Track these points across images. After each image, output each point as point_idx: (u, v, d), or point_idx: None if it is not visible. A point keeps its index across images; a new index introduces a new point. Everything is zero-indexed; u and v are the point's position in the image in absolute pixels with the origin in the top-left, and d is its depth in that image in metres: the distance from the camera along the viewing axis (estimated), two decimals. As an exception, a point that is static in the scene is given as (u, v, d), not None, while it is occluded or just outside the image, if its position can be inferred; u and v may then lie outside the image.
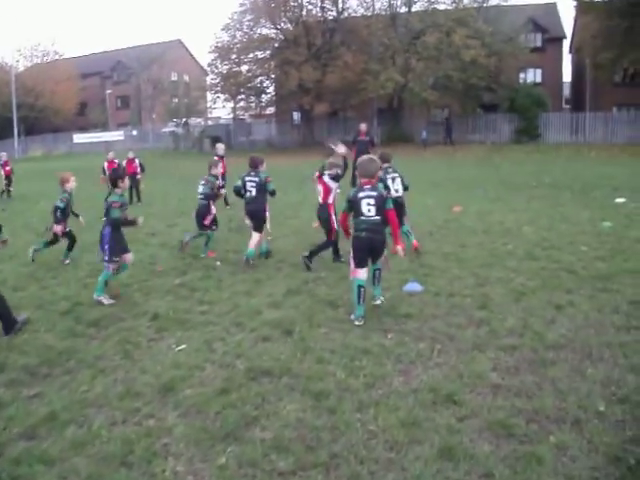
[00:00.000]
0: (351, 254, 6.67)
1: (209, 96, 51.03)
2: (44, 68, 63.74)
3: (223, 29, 43.46)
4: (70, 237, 10.00)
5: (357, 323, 6.40)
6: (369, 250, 6.62)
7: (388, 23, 39.62)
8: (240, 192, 9.65)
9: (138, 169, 17.93)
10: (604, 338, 5.61)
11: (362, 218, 6.57)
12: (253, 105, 46.93)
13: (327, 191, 8.88)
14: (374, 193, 6.60)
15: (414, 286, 7.45)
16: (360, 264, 6.57)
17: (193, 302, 7.35)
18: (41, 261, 10.03)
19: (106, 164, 18.07)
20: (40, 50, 67.03)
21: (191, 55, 71.48)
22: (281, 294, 7.44)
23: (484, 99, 40.79)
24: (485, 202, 15.15)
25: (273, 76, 45.18)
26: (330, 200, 8.88)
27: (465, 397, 4.53)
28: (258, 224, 9.51)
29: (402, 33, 39.74)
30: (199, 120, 53.81)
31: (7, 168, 21.48)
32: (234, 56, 43.66)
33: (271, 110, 51.31)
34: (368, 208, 6.54)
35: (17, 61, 64.77)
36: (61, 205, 9.60)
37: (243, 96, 45.64)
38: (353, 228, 6.79)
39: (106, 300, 7.50)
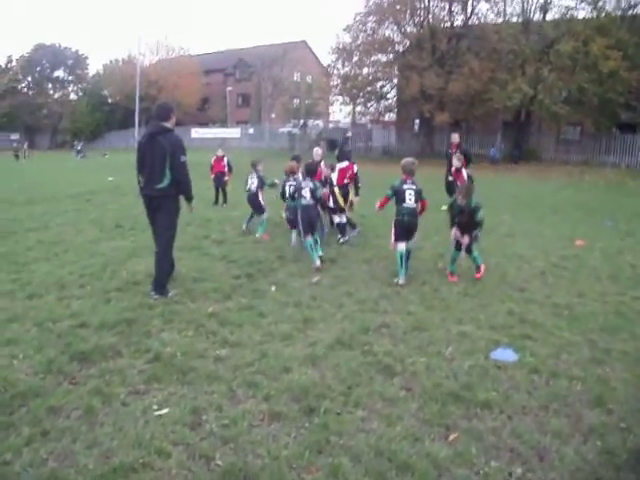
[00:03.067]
0: (393, 232, 8.37)
1: (329, 98, 49.96)
2: (169, 63, 65.07)
3: (345, 30, 42.03)
4: None
5: (401, 282, 8.07)
6: (407, 229, 8.32)
7: (520, 29, 36.74)
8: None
9: (225, 168, 16.65)
10: None
11: (404, 205, 8.30)
12: (372, 110, 45.34)
13: None
14: (414, 187, 8.39)
15: (505, 354, 5.44)
16: (400, 240, 8.29)
17: (214, 342, 5.72)
18: (88, 263, 8.99)
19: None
20: (165, 45, 68.44)
21: (315, 56, 70.74)
22: (326, 345, 5.62)
23: (622, 117, 37.13)
24: (614, 237, 12.51)
25: (395, 81, 43.37)
26: None
27: None
28: None
29: (534, 41, 36.68)
30: (318, 122, 52.85)
31: None
32: (355, 58, 42.21)
33: (392, 117, 49.55)
34: (409, 197, 8.30)
35: (143, 55, 66.39)
36: None
37: (362, 100, 44.11)
38: (396, 213, 8.39)
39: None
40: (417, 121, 46.00)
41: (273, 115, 59.95)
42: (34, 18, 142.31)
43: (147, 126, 7.57)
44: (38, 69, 78.44)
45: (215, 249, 10.20)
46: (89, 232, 11.88)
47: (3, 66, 79.34)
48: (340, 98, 45.62)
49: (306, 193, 9.32)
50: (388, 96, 45.11)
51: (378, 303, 7.13)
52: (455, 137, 16.50)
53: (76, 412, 4.32)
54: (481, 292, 7.68)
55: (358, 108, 45.15)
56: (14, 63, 79.20)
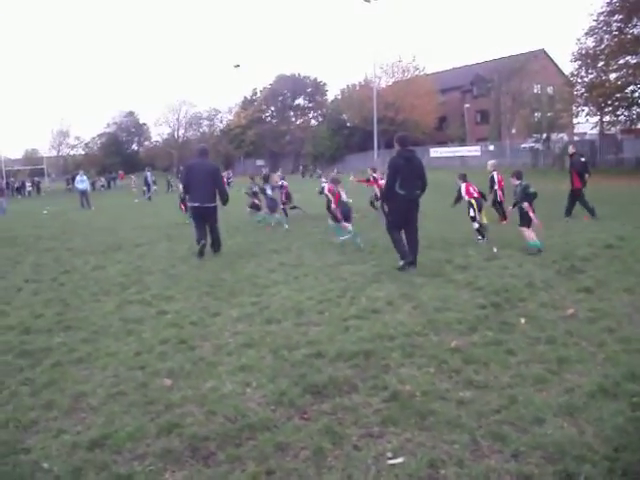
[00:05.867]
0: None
1: (573, 109, 47.19)
2: (404, 84, 65.99)
3: (587, 33, 39.29)
4: None
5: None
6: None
7: None
8: None
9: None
10: None
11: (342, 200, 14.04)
12: (622, 118, 41.87)
13: None
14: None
15: None
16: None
17: (457, 382, 5.21)
18: (327, 288, 9.12)
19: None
20: (401, 66, 69.36)
21: (556, 65, 67.20)
22: (586, 392, 4.79)
23: None
24: None
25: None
26: None
27: None
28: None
29: None
30: (561, 135, 50.06)
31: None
32: (601, 63, 39.32)
33: (646, 124, 45.32)
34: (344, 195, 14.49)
35: (379, 78, 67.83)
36: None
37: (610, 108, 40.92)
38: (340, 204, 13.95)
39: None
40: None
41: (513, 130, 57.87)
42: (275, 52, 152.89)
43: (402, 151, 10.34)
44: (280, 98, 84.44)
45: (459, 275, 9.65)
46: (329, 255, 12.06)
47: (249, 98, 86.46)
48: (585, 108, 42.79)
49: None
50: (640, 102, 41.42)
51: (647, 343, 6.03)
52: (570, 148, 18.65)
53: (304, 452, 4.11)
54: None
55: (606, 118, 41.96)
56: (259, 95, 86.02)
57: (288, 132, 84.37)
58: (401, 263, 10.22)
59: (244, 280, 10.04)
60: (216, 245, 12.84)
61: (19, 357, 6.52)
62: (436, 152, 59.30)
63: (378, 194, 16.80)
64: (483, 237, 12.89)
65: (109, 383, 5.60)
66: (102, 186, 65.84)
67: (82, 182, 33.67)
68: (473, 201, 13.08)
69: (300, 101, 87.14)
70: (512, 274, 9.46)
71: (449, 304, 7.82)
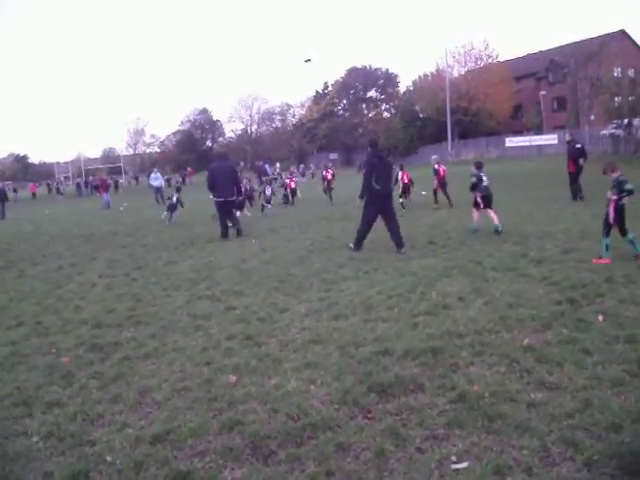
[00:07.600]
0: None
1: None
2: (477, 72, 64.56)
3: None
4: None
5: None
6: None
7: None
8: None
9: None
10: None
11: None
12: None
13: None
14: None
15: None
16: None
17: (529, 382, 4.95)
18: (397, 283, 8.90)
19: None
20: (473, 54, 67.89)
21: (637, 46, 63.86)
22: None
23: None
24: None
25: None
26: None
27: None
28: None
29: None
30: (645, 120, 47.83)
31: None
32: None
33: None
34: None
35: (451, 67, 66.68)
36: None
37: None
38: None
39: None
40: None
41: (592, 117, 55.72)
42: (345, 45, 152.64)
43: (375, 152, 12.19)
44: (352, 91, 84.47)
45: (533, 269, 9.25)
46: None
47: (321, 92, 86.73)
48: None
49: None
50: None
51: None
52: (567, 136, 20.14)
53: (366, 453, 4.00)
54: None
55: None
56: (330, 88, 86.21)
57: (361, 125, 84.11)
58: (352, 246, 12.29)
59: (313, 275, 9.98)
60: (239, 230, 15.96)
61: (90, 351, 6.68)
62: (511, 142, 57.79)
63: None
64: (404, 208, 18.55)
65: (174, 378, 5.65)
66: (177, 182, 67.18)
67: (156, 179, 34.40)
68: (401, 185, 19.14)
69: (372, 93, 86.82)
70: (590, 268, 8.98)
71: (522, 300, 7.51)
